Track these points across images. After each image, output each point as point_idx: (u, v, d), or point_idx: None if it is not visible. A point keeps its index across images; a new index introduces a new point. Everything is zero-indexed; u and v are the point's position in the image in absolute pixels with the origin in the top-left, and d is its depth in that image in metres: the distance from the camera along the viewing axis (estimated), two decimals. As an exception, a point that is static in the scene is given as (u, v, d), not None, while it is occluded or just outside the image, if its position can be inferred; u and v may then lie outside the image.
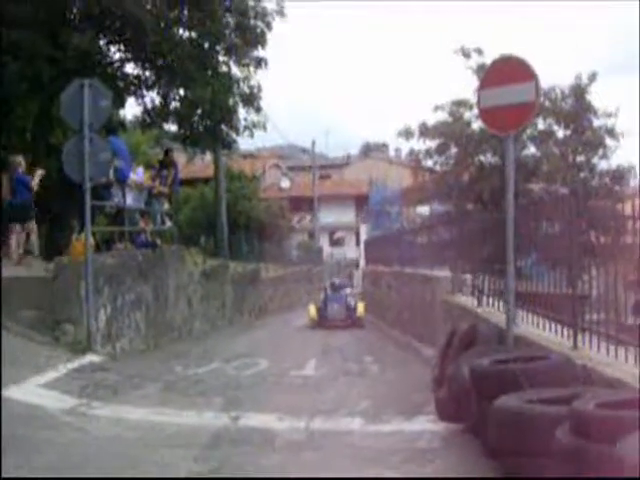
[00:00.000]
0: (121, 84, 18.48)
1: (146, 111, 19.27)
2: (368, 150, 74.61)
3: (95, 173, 11.80)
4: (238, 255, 31.89)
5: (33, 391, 8.29)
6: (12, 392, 7.91)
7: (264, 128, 20.48)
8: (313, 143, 54.92)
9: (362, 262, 34.76)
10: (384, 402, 8.62)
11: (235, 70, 19.51)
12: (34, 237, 14.17)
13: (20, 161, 14.32)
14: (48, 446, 6.33)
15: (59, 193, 15.23)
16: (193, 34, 18.39)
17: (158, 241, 16.87)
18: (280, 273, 34.86)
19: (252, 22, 18.81)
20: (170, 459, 6.22)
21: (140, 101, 19.20)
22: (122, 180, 14.77)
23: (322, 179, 59.94)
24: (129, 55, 18.56)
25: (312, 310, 23.77)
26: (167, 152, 18.83)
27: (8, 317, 10.70)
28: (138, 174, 16.62)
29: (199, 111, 18.74)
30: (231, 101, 19.11)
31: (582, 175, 21.59)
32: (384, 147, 71.70)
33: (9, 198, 13.96)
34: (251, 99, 19.45)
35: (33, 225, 14.07)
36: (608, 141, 21.58)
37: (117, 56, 18.74)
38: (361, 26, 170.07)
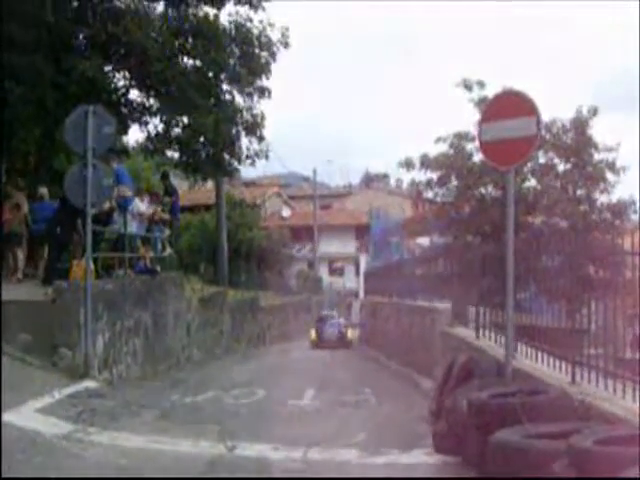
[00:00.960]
0: (125, 111, 18.58)
1: (149, 138, 19.33)
2: (369, 180, 74.62)
3: (97, 199, 11.85)
4: (237, 283, 31.96)
5: (29, 416, 8.23)
6: (8, 416, 7.86)
7: (266, 157, 20.50)
8: (314, 172, 55.10)
9: (361, 293, 34.90)
10: (381, 434, 8.56)
11: (239, 99, 19.61)
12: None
13: (46, 192, 15.65)
14: (43, 471, 6.29)
15: (60, 218, 15.26)
16: (197, 63, 18.48)
17: (158, 268, 16.86)
18: (278, 302, 34.84)
19: (256, 52, 18.91)
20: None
21: (143, 128, 19.28)
22: (124, 207, 14.81)
23: (323, 209, 59.96)
24: (133, 82, 18.66)
25: (313, 334, 31.53)
26: (164, 176, 18.89)
27: (6, 340, 10.66)
28: (144, 203, 16.61)
29: (202, 139, 18.78)
30: (234, 130, 19.15)
31: (582, 209, 21.52)
32: (385, 177, 71.77)
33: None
34: (254, 128, 19.49)
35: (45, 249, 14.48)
36: (609, 175, 21.56)
37: (121, 83, 18.84)
38: (365, 57, 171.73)
